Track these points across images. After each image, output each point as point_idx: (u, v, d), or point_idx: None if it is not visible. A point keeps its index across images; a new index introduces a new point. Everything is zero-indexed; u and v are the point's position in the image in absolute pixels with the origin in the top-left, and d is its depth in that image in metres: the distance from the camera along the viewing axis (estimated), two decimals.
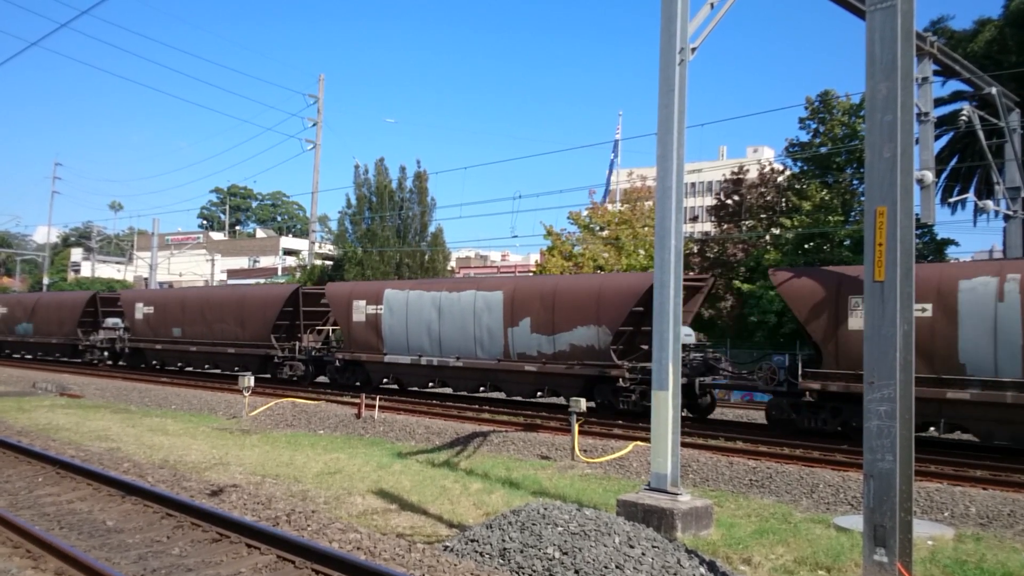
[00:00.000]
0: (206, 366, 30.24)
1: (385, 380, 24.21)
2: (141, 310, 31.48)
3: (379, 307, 23.07)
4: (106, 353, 34.18)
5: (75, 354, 35.55)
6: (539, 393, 20.34)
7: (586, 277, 24.32)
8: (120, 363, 34.12)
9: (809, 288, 16.17)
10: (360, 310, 23.57)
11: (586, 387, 19.10)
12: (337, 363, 24.55)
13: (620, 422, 17.92)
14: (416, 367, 22.46)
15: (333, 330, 26.32)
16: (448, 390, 22.82)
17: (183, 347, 29.98)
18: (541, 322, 19.73)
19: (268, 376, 26.30)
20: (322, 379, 26.04)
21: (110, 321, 34.26)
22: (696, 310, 20.50)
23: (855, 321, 14.85)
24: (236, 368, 27.35)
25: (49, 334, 36.82)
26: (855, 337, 14.43)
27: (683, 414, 18.50)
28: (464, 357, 21.25)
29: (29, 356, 39.92)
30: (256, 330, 26.58)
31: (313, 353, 25.55)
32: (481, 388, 21.97)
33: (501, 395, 22.63)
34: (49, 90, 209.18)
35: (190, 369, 31.78)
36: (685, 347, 18.01)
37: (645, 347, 17.97)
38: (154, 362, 32.14)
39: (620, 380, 18.37)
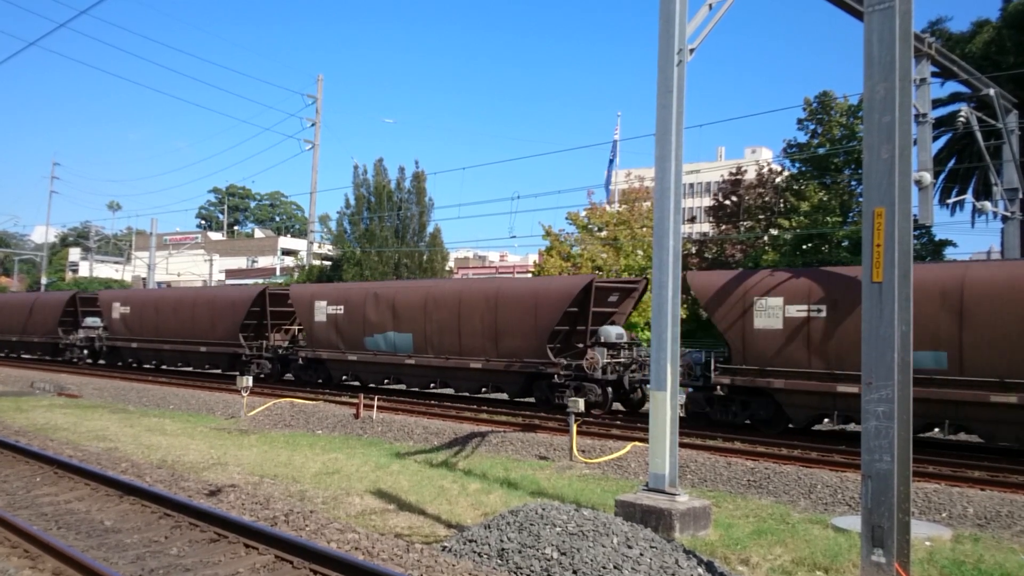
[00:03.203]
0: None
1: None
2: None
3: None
4: (638, 393, 19.78)
5: (528, 390, 20.10)
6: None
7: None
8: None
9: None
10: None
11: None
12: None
13: (618, 422, 17.96)
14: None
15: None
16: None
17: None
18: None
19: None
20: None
21: (613, 331, 19.18)
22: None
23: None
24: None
25: (463, 353, 20.60)
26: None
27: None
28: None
29: (406, 386, 23.05)
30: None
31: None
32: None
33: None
34: (48, 90, 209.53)
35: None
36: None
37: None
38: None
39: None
